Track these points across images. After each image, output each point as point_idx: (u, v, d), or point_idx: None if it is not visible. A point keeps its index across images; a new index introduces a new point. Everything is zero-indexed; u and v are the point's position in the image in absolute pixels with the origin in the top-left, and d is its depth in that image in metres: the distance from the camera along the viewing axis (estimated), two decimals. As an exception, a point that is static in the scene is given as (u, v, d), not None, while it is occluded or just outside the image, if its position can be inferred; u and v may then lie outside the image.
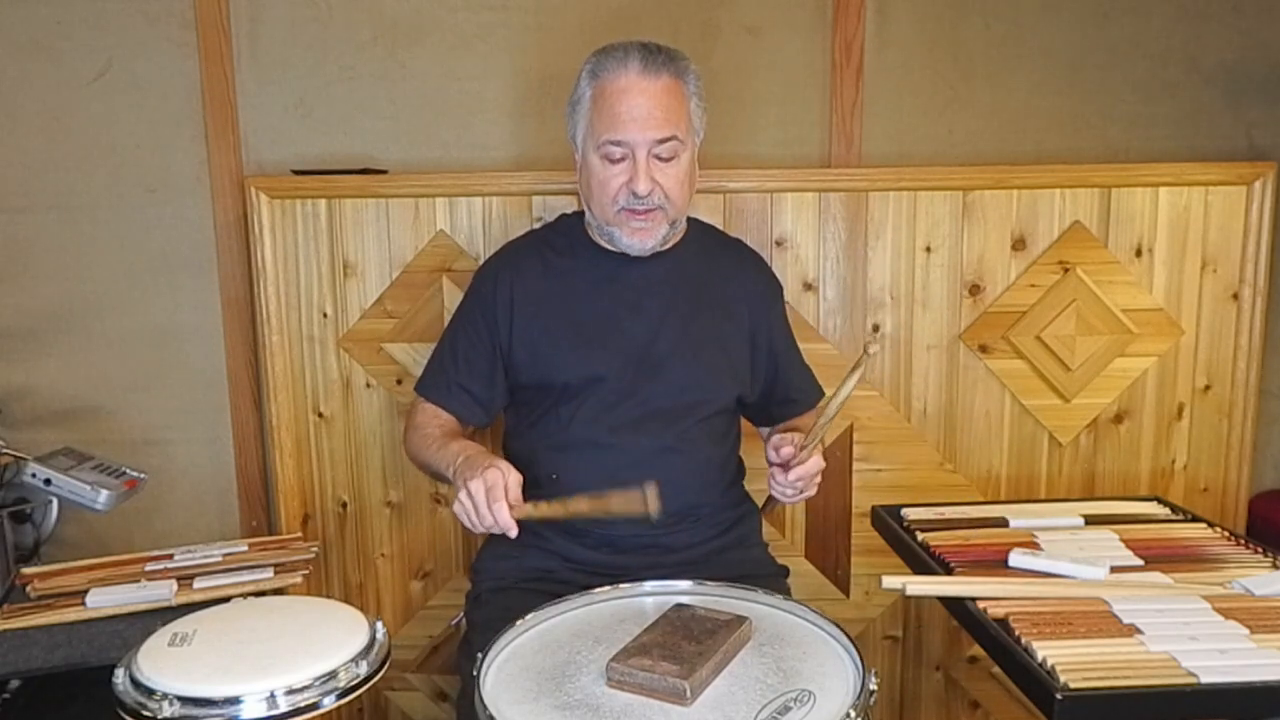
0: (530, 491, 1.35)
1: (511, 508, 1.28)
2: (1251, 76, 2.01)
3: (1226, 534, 1.45)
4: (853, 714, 1.00)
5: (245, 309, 1.98)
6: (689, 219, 1.66)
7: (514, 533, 1.30)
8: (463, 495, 1.30)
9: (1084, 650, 1.07)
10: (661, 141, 1.42)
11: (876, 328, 1.95)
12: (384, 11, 1.94)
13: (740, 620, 1.17)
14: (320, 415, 1.94)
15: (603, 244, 1.54)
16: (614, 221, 1.48)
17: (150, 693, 1.09)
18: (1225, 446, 1.98)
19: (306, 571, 1.54)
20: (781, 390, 1.65)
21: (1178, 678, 1.02)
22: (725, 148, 1.95)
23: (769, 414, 1.66)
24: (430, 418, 1.56)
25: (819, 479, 1.47)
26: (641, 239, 1.48)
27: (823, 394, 1.69)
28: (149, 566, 1.55)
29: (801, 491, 1.46)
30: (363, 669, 1.16)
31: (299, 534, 1.83)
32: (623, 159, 1.43)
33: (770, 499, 1.54)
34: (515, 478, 1.31)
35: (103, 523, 1.95)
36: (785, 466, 1.44)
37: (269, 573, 1.52)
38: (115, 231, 1.97)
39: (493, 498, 1.27)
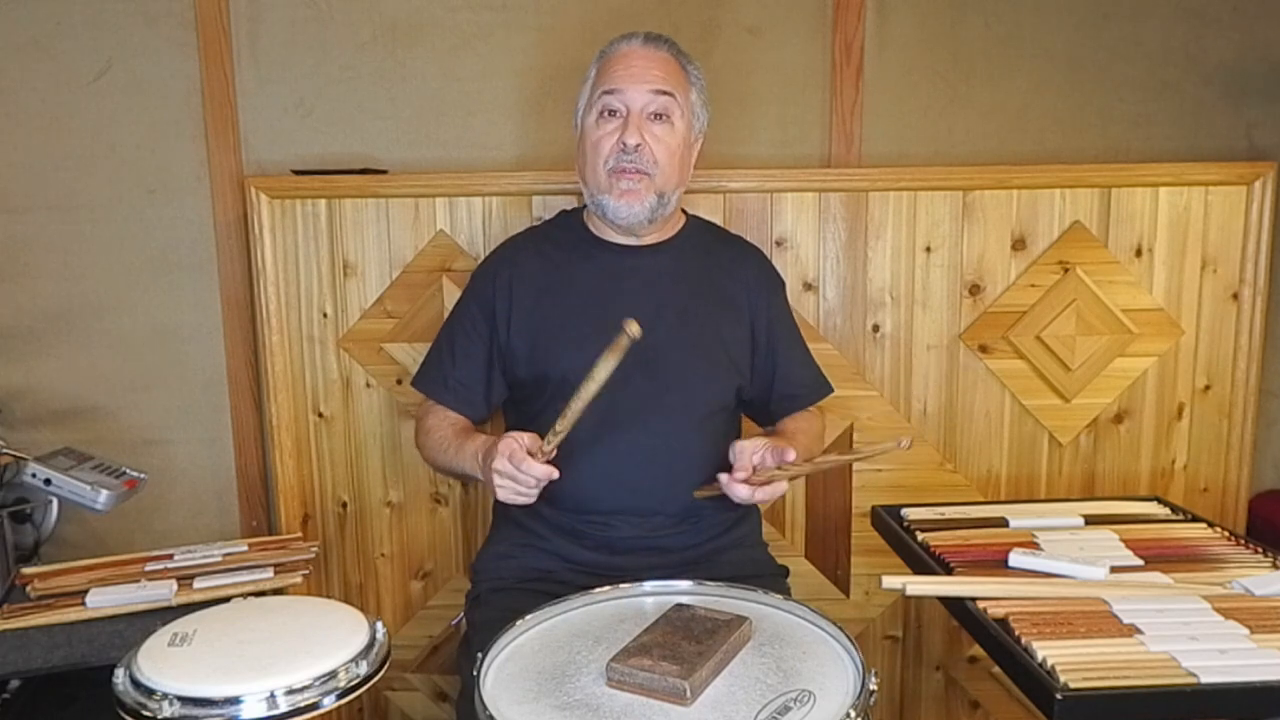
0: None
1: (536, 457, 1.32)
2: (1251, 76, 2.01)
3: (1226, 534, 1.45)
4: (853, 714, 1.00)
5: (245, 309, 1.98)
6: (689, 216, 1.66)
7: (555, 474, 1.32)
8: (497, 480, 1.33)
9: (1084, 650, 1.07)
10: (657, 94, 1.46)
11: (876, 328, 1.95)
12: (384, 11, 1.93)
13: (740, 620, 1.17)
14: (320, 415, 1.94)
15: (601, 236, 1.54)
16: (604, 187, 1.48)
17: (150, 693, 1.09)
18: (1225, 446, 1.99)
19: (306, 571, 1.54)
20: (781, 385, 1.63)
21: (1178, 678, 1.02)
22: (725, 148, 1.95)
23: (768, 410, 1.65)
24: (440, 420, 1.57)
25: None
26: (629, 202, 1.48)
27: (828, 391, 1.68)
28: (149, 566, 1.55)
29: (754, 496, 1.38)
30: (363, 669, 1.16)
31: (299, 534, 1.83)
32: (616, 115, 1.47)
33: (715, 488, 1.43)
34: (524, 435, 1.34)
35: (103, 523, 1.95)
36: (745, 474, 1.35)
37: (269, 573, 1.52)
38: (115, 231, 1.97)
39: (516, 461, 1.31)
